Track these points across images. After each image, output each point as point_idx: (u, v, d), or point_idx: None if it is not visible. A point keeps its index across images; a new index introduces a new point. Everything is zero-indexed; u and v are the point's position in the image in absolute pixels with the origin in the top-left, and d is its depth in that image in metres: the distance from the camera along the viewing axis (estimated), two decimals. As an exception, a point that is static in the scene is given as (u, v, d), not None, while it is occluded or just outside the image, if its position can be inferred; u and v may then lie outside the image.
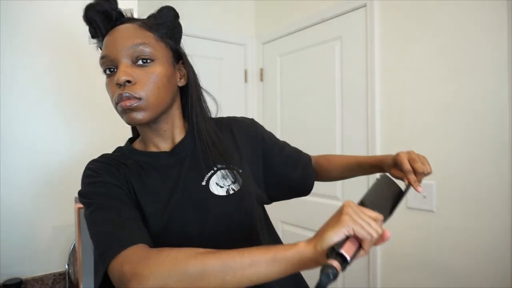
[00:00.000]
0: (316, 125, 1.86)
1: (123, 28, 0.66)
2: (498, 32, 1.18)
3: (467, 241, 1.26)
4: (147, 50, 0.64)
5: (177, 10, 0.72)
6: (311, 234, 0.48)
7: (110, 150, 1.18)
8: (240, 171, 0.72)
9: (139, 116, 0.64)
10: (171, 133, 0.73)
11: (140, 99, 0.63)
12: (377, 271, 1.55)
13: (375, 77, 1.56)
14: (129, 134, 0.83)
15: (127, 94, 0.62)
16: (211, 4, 2.05)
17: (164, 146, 0.73)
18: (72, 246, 1.03)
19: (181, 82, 0.73)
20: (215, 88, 0.76)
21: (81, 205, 0.98)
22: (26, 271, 0.99)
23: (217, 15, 2.06)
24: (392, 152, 0.76)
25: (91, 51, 1.13)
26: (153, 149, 0.73)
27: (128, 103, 0.62)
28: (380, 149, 1.54)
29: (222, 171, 0.70)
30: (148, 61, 0.64)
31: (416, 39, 1.41)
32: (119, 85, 0.62)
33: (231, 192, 0.69)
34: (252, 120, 0.86)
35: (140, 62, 0.64)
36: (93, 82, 1.11)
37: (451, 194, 1.30)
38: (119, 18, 0.68)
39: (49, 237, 1.03)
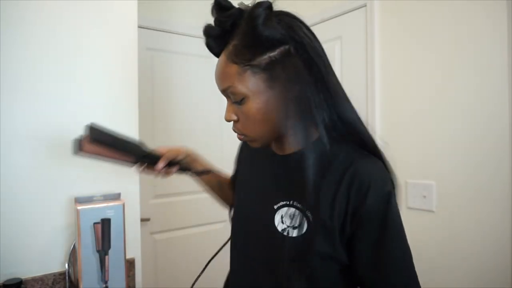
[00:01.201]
0: (316, 125, 1.85)
1: (219, 63, 0.64)
2: (498, 32, 1.18)
3: (467, 241, 1.26)
4: (233, 92, 0.62)
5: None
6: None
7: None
8: (314, 223, 0.61)
9: (254, 144, 0.68)
10: (289, 143, 0.69)
11: (244, 134, 0.67)
12: (377, 271, 1.55)
13: (375, 77, 1.56)
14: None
15: (235, 131, 0.68)
16: (210, 4, 2.04)
17: (278, 149, 0.72)
18: (72, 246, 1.03)
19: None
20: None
21: (81, 206, 0.98)
22: (26, 271, 0.99)
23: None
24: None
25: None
26: (272, 146, 0.74)
27: (239, 137, 0.69)
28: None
29: (294, 209, 0.63)
30: (240, 101, 0.63)
31: (416, 39, 1.41)
32: None
33: (286, 234, 0.63)
34: (385, 195, 0.59)
35: (234, 101, 0.64)
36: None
37: (451, 194, 1.30)
38: (232, 31, 0.63)
39: (49, 237, 1.03)
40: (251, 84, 0.60)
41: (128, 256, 1.11)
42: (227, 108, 0.66)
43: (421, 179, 1.40)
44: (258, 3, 0.59)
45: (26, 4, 1.00)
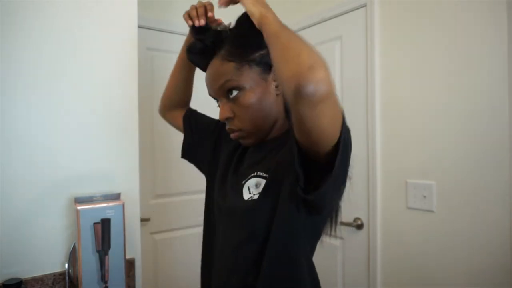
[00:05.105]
0: (316, 125, 1.85)
1: (212, 66, 0.71)
2: (498, 32, 1.18)
3: (467, 241, 1.26)
4: (231, 85, 0.68)
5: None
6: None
7: (110, 151, 1.18)
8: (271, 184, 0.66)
9: (248, 141, 0.73)
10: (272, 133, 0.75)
11: (240, 130, 0.70)
12: (377, 271, 1.55)
13: (375, 77, 1.56)
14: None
15: (230, 128, 0.72)
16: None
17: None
18: (72, 246, 1.03)
19: (279, 90, 0.70)
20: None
21: (81, 206, 0.98)
22: (26, 271, 0.99)
23: (216, 15, 2.05)
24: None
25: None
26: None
27: (233, 135, 0.72)
28: (380, 148, 1.54)
29: (258, 178, 0.68)
30: (235, 92, 0.68)
31: (416, 39, 1.41)
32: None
33: (250, 199, 0.67)
34: None
35: (231, 96, 0.69)
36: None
37: (451, 194, 1.30)
38: (214, 48, 0.72)
39: (49, 237, 1.03)
40: (249, 76, 0.68)
41: (128, 256, 1.11)
42: (221, 108, 0.71)
43: (421, 179, 1.40)
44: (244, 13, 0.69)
45: (25, 4, 1.00)
